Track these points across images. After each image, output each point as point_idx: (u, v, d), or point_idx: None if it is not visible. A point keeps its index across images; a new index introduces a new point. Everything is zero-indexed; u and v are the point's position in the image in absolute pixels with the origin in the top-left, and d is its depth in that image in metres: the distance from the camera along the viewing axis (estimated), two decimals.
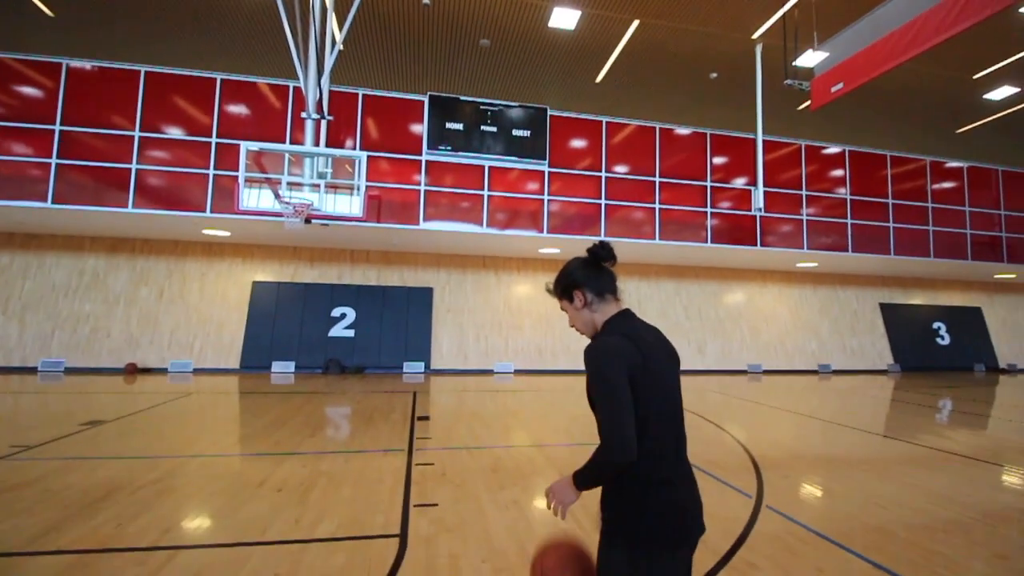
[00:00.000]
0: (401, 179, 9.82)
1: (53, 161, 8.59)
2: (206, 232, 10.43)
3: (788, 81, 9.01)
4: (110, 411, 6.59)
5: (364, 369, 11.57)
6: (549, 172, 10.46)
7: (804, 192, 11.71)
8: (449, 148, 9.94)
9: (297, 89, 9.36)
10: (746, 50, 10.32)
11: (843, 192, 12.01)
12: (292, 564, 2.74)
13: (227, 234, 10.58)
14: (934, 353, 15.41)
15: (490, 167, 10.18)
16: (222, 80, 9.28)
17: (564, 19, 9.33)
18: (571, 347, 12.58)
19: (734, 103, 12.15)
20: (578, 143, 10.76)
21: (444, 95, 10.10)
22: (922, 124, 13.77)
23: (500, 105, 10.24)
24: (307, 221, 7.72)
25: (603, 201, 10.70)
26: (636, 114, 11.85)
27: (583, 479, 1.41)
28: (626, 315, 1.56)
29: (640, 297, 13.51)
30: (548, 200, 10.41)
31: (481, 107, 10.14)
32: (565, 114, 10.76)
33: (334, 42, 8.20)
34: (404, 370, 11.71)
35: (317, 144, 7.98)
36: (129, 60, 9.33)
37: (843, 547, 3.07)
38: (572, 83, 12.00)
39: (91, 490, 3.73)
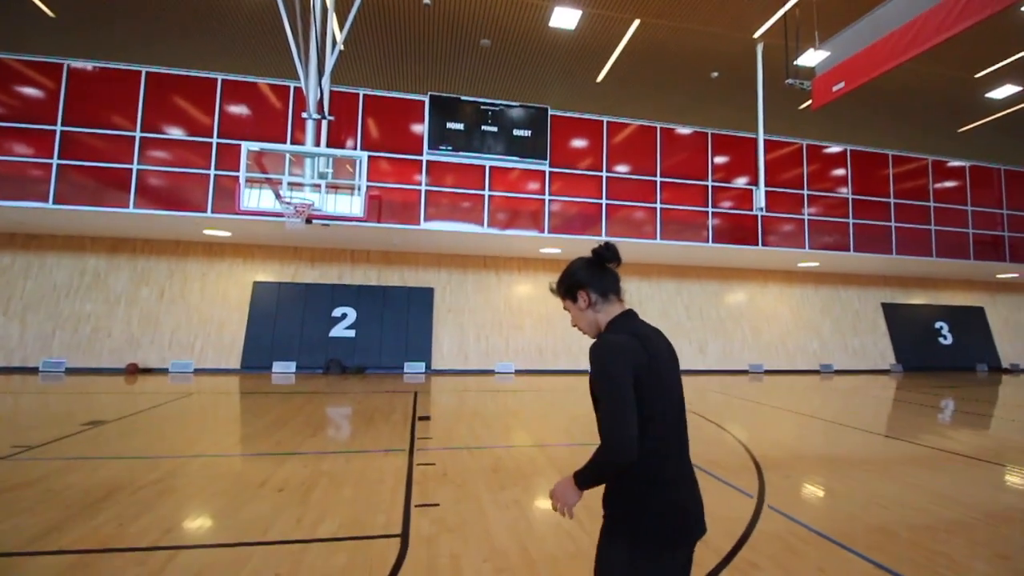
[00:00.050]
0: (402, 179, 9.82)
1: (54, 161, 8.60)
2: (207, 232, 10.44)
3: (789, 80, 9.00)
4: (111, 411, 6.59)
5: (365, 369, 11.57)
6: (550, 172, 10.45)
7: (805, 192, 11.69)
8: (450, 148, 9.94)
9: (298, 89, 9.36)
10: (747, 49, 10.31)
11: (845, 192, 11.99)
12: (293, 564, 2.73)
13: (228, 234, 10.58)
14: (936, 353, 15.37)
15: (491, 167, 10.17)
16: (223, 80, 9.28)
17: (565, 19, 9.32)
18: (572, 347, 12.57)
19: (735, 103, 12.13)
20: (579, 143, 10.75)
21: (445, 95, 10.10)
22: (924, 123, 13.74)
23: (501, 105, 10.23)
24: (308, 221, 7.72)
25: (604, 201, 10.69)
26: (637, 114, 11.84)
27: (584, 479, 1.41)
28: (629, 315, 1.56)
29: (641, 297, 13.49)
30: (549, 200, 10.41)
31: (482, 107, 10.14)
32: (566, 114, 10.76)
33: (335, 42, 8.21)
34: (405, 370, 11.71)
35: (318, 144, 7.98)
36: (130, 60, 9.34)
37: (845, 547, 3.06)
38: (573, 83, 11.99)
39: (92, 490, 3.73)
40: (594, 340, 1.53)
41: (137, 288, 11.11)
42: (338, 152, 7.71)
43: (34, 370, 10.23)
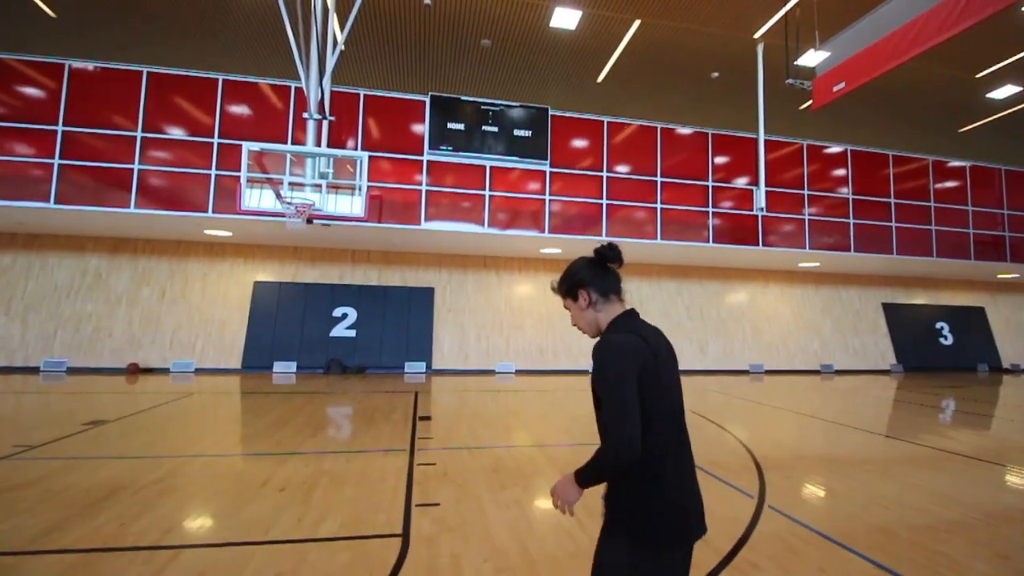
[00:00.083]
0: (402, 179, 9.83)
1: (55, 161, 8.61)
2: (208, 232, 10.45)
3: (790, 81, 9.01)
4: (112, 411, 6.60)
5: (365, 369, 11.58)
6: (550, 172, 10.45)
7: (806, 192, 11.69)
8: (450, 148, 9.94)
9: (299, 89, 9.37)
10: (747, 50, 10.30)
11: (845, 192, 11.99)
12: (295, 563, 2.74)
13: (229, 234, 10.59)
14: (937, 353, 15.36)
15: (491, 167, 10.18)
16: (224, 80, 9.29)
17: (565, 19, 9.33)
18: (572, 347, 12.57)
19: (735, 103, 12.13)
20: (579, 143, 10.75)
21: (445, 95, 10.11)
22: (924, 123, 13.73)
23: (501, 105, 10.24)
24: (309, 221, 7.73)
25: (604, 201, 10.69)
26: (637, 114, 11.84)
27: (586, 477, 1.41)
28: (631, 315, 1.56)
29: (642, 297, 13.49)
30: (549, 200, 10.41)
31: (482, 107, 10.14)
32: (566, 114, 10.76)
33: (335, 42, 8.22)
34: (405, 370, 11.72)
35: (319, 144, 7.99)
36: (131, 61, 9.35)
37: (845, 547, 3.06)
38: (573, 83, 12.00)
39: (93, 490, 3.74)
40: (595, 340, 1.53)
41: (138, 288, 11.12)
42: (339, 152, 7.71)
43: (35, 370, 10.24)
